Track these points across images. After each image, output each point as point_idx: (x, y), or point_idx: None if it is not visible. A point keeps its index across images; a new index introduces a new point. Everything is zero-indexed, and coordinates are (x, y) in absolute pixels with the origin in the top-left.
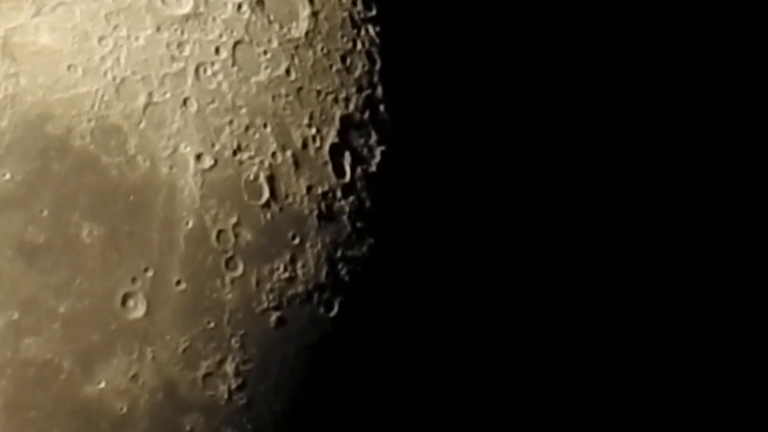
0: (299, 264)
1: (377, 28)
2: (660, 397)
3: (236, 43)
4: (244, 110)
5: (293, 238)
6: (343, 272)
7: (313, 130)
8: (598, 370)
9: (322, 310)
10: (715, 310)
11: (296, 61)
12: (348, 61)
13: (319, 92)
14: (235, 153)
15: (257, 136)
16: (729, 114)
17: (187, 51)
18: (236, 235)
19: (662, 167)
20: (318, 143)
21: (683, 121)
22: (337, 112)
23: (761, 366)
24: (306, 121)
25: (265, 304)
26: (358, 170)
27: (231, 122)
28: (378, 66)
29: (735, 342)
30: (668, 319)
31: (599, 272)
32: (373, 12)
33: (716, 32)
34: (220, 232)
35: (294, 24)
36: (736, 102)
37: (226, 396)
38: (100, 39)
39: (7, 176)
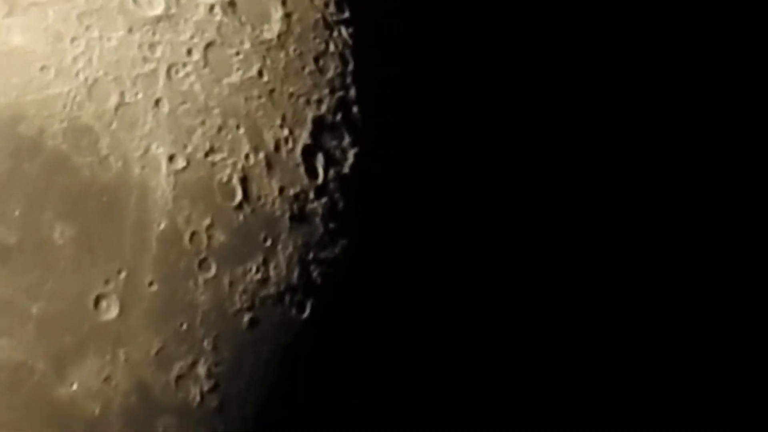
0: (271, 265)
1: (350, 30)
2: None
3: (208, 45)
4: (216, 111)
5: (265, 239)
6: (315, 274)
7: (286, 132)
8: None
9: (294, 311)
10: (715, 309)
11: (268, 62)
12: (321, 62)
13: (291, 94)
14: (207, 154)
15: (230, 137)
16: (729, 114)
17: (158, 52)
18: (209, 237)
19: (651, 166)
20: (290, 145)
21: (683, 121)
22: (310, 114)
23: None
24: (278, 122)
25: (238, 306)
26: (331, 172)
27: (203, 123)
28: (351, 67)
29: (735, 342)
30: (666, 318)
31: (580, 275)
32: (346, 14)
33: (716, 32)
34: (192, 233)
35: (266, 26)
36: (736, 102)
37: (198, 398)
38: (73, 40)
39: None
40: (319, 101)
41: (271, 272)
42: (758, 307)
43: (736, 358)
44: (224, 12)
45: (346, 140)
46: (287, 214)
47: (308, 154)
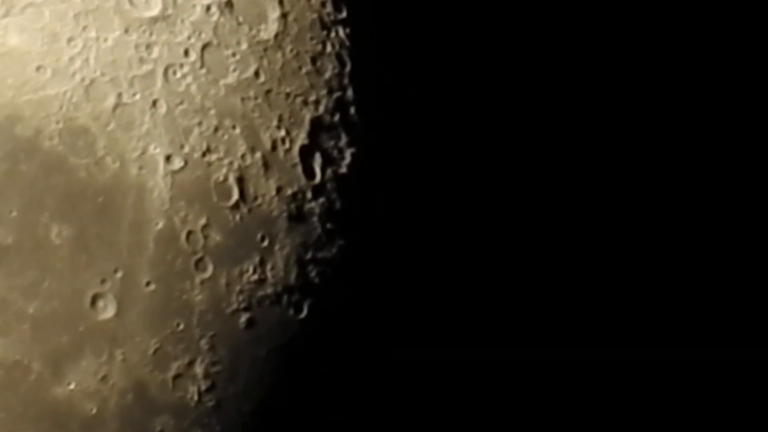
0: (268, 266)
1: (347, 30)
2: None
3: (205, 46)
4: (212, 112)
5: (262, 239)
6: (312, 274)
7: (283, 132)
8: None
9: (291, 311)
10: (715, 309)
11: (265, 63)
12: (318, 63)
13: (288, 94)
14: (204, 154)
15: (226, 137)
16: (729, 114)
17: (155, 53)
18: (205, 237)
19: (649, 163)
20: (287, 145)
21: (682, 121)
22: (307, 114)
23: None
24: (275, 123)
25: (235, 306)
26: (329, 172)
27: (200, 124)
28: (348, 68)
29: (734, 343)
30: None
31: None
32: (343, 14)
33: (716, 32)
34: (189, 233)
35: (263, 26)
36: (736, 102)
37: (195, 397)
38: (69, 40)
39: None
40: (317, 102)
41: (268, 272)
42: (758, 306)
43: (736, 359)
44: (221, 12)
45: (344, 140)
46: (284, 214)
47: (305, 154)
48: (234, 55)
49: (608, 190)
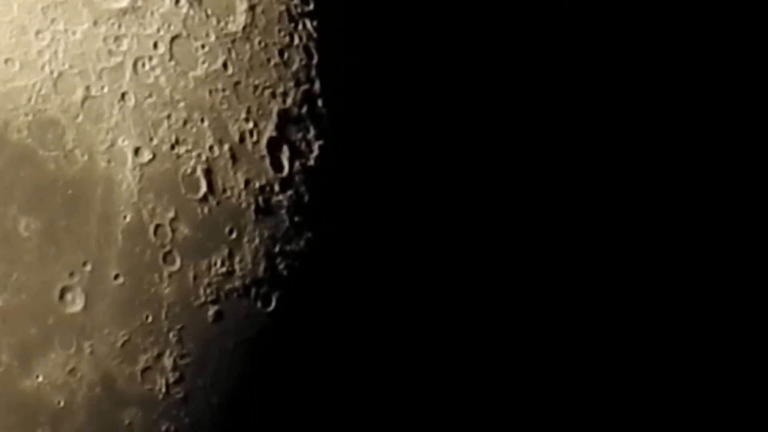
0: (236, 258)
1: (314, 23)
2: (659, 397)
3: (174, 38)
4: (181, 104)
5: (230, 232)
6: (281, 267)
7: (251, 125)
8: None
9: (259, 304)
10: (715, 310)
11: (233, 55)
12: (285, 55)
13: (256, 87)
14: (172, 147)
15: (195, 130)
16: (729, 114)
17: (124, 45)
18: (174, 230)
19: (645, 165)
20: (255, 137)
21: (682, 121)
22: (275, 107)
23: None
24: (243, 115)
25: (203, 299)
26: (297, 164)
27: (169, 116)
28: (315, 60)
29: (734, 343)
30: (666, 320)
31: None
32: (311, 6)
33: (716, 32)
34: (157, 226)
35: (231, 18)
36: (736, 102)
37: (164, 390)
38: (38, 33)
39: None
40: (284, 94)
41: (236, 265)
42: (758, 307)
43: (735, 360)
44: (190, 4)
45: (312, 133)
46: (252, 207)
47: (273, 146)
48: (203, 47)
49: (607, 189)
